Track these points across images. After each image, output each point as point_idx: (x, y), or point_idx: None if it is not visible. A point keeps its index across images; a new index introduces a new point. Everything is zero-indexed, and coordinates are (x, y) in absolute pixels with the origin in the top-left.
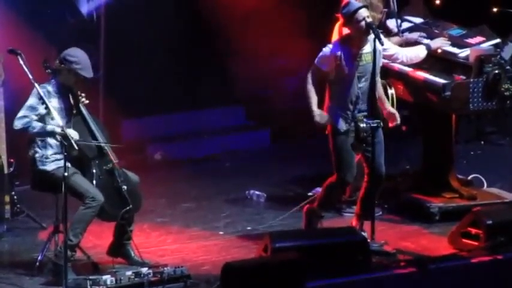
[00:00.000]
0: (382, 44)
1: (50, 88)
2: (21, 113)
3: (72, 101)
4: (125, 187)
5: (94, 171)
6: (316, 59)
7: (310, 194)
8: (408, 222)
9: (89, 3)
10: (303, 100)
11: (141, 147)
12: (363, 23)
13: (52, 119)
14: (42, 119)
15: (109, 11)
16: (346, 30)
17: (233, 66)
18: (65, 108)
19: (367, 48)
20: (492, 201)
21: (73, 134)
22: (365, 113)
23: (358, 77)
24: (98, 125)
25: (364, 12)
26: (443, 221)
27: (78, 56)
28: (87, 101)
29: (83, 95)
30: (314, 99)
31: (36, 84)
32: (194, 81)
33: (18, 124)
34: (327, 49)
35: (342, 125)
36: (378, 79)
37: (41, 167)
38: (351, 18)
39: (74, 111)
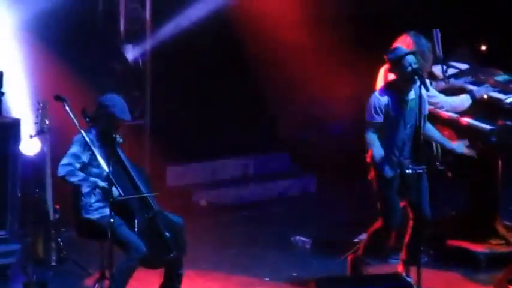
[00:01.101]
0: (427, 90)
1: (91, 137)
2: (65, 161)
3: (111, 149)
4: (167, 234)
5: (136, 220)
6: (367, 115)
7: (355, 240)
8: (454, 268)
9: (134, 49)
10: (347, 144)
11: (187, 193)
12: (409, 69)
13: (95, 167)
14: (84, 168)
15: (155, 56)
16: (391, 76)
17: (278, 111)
18: (105, 158)
19: (412, 95)
20: None
21: (113, 191)
22: (409, 159)
23: (404, 123)
24: (138, 172)
25: (411, 58)
26: (490, 268)
27: (113, 99)
28: (122, 140)
29: (119, 136)
30: (377, 143)
31: (82, 131)
32: (240, 127)
33: (62, 171)
34: (374, 99)
35: (388, 171)
36: (428, 124)
37: (85, 216)
38: (397, 64)
39: (113, 159)
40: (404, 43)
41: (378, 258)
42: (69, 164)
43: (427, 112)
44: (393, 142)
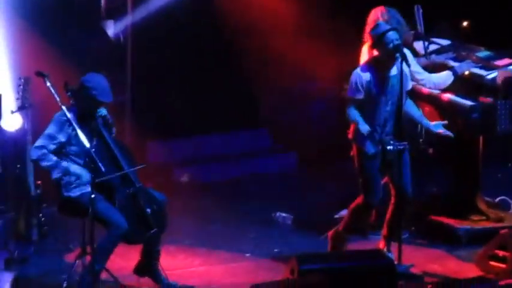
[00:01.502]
0: (409, 66)
1: (72, 115)
2: (38, 143)
3: (92, 127)
4: (148, 210)
5: (117, 196)
6: (349, 91)
7: (336, 216)
8: (435, 245)
9: (115, 26)
10: (328, 122)
11: (168, 170)
12: (391, 45)
13: (74, 145)
14: (62, 147)
15: (136, 32)
16: (374, 53)
17: (260, 89)
18: (86, 135)
19: (394, 71)
20: None
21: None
22: (391, 136)
23: (385, 100)
24: (121, 149)
25: (393, 35)
26: (471, 244)
27: (94, 81)
28: (106, 113)
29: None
30: (361, 119)
31: (63, 107)
32: (221, 104)
33: (34, 154)
34: (356, 76)
35: (370, 148)
36: (409, 100)
37: (66, 194)
38: (379, 40)
39: (95, 137)
40: (376, 16)
41: (358, 234)
42: (42, 147)
43: (409, 88)
44: (375, 119)
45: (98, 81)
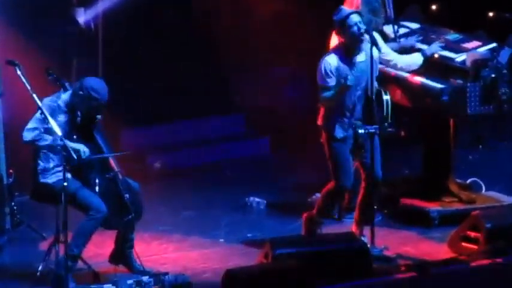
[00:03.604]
0: (379, 51)
1: (60, 102)
2: (30, 125)
3: (79, 117)
4: (127, 195)
5: (96, 180)
6: (319, 79)
7: (309, 200)
8: (408, 227)
9: (86, 13)
10: (301, 109)
11: (141, 157)
12: (355, 28)
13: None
14: (49, 132)
15: (107, 20)
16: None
17: (233, 75)
18: (72, 123)
19: (362, 57)
20: (491, 205)
21: (81, 148)
22: (360, 120)
23: (354, 85)
24: (102, 136)
25: (355, 18)
26: (443, 226)
27: (101, 93)
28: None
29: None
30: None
31: (34, 96)
32: (194, 90)
33: (28, 136)
34: (324, 63)
35: (339, 132)
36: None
37: (42, 180)
38: (342, 25)
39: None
40: (352, 2)
41: (331, 218)
42: (35, 128)
43: (377, 74)
44: (344, 104)
45: (103, 94)
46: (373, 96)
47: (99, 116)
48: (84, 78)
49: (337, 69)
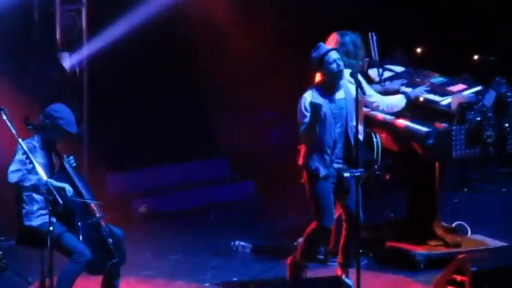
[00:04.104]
0: (364, 93)
1: (35, 143)
2: (13, 167)
3: (54, 157)
4: (110, 240)
5: (80, 224)
6: (299, 116)
7: (295, 243)
8: (394, 270)
9: (71, 58)
10: (286, 152)
11: (126, 201)
12: (334, 65)
13: (36, 174)
14: (30, 173)
15: (91, 64)
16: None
17: (218, 118)
18: (49, 165)
19: (341, 94)
20: (477, 248)
21: (66, 187)
22: (341, 159)
23: (334, 122)
24: (82, 181)
25: (334, 55)
26: (429, 269)
27: (62, 111)
28: (75, 164)
29: (72, 157)
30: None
31: (20, 140)
32: (179, 134)
33: (13, 178)
34: (303, 100)
35: (321, 171)
36: (360, 127)
37: (27, 223)
38: (321, 62)
39: (57, 168)
40: (332, 42)
41: (316, 261)
42: (18, 170)
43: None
44: (324, 141)
45: (64, 111)
46: (362, 138)
47: (74, 164)
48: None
49: (315, 105)
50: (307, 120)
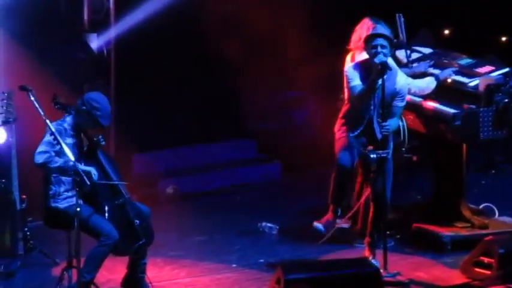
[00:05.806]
0: (390, 69)
1: (66, 126)
2: (41, 148)
3: (84, 138)
4: (137, 221)
5: (106, 207)
6: (348, 83)
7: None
8: (420, 252)
9: (98, 39)
10: (311, 132)
11: (153, 181)
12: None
13: (64, 155)
14: (58, 155)
15: (119, 45)
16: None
17: (244, 100)
18: (78, 145)
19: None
20: (504, 230)
21: (92, 170)
22: (364, 144)
23: (371, 103)
24: (110, 162)
25: (381, 40)
26: (455, 251)
27: (101, 102)
28: (104, 143)
29: (100, 136)
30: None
31: (47, 121)
32: (205, 115)
33: (40, 159)
34: (349, 69)
35: (355, 131)
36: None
37: (53, 204)
38: (367, 42)
39: (86, 149)
40: (364, 28)
41: (345, 243)
42: (45, 152)
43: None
44: (361, 119)
45: (103, 103)
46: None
47: (103, 142)
48: (85, 94)
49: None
50: (356, 83)
